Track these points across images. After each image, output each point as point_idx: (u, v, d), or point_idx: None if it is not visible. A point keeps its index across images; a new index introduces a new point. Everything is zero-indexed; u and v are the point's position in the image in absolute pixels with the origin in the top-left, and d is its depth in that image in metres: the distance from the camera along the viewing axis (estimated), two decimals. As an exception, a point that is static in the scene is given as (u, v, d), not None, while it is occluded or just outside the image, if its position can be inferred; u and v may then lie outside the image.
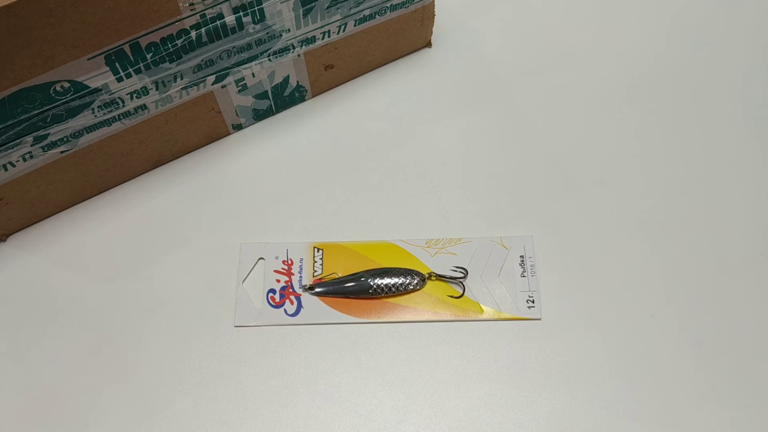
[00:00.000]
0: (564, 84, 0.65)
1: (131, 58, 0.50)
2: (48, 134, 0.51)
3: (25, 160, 0.52)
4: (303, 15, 0.55)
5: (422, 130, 0.63)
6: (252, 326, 0.54)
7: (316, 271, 0.56)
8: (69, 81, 0.48)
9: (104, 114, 0.52)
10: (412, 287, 0.55)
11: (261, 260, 0.57)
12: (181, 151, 0.61)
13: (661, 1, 0.69)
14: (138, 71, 0.51)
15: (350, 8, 0.57)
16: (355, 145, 0.62)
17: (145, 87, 0.52)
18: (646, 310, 0.54)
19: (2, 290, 0.56)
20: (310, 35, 0.57)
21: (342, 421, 0.51)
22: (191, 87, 0.55)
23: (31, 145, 0.51)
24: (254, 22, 0.53)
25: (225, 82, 0.57)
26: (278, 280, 0.56)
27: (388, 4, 0.59)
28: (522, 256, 0.56)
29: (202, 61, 0.53)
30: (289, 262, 0.56)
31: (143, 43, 0.49)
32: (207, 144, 0.62)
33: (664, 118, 0.63)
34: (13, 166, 0.52)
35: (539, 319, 0.54)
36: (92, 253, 0.58)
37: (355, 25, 0.59)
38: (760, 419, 0.50)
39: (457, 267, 0.56)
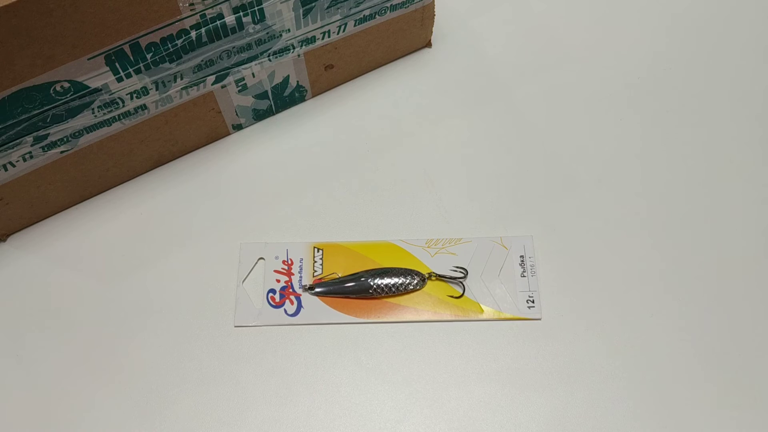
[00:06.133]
0: (564, 84, 0.65)
1: (131, 58, 0.50)
2: (48, 134, 0.51)
3: (25, 160, 0.52)
4: (303, 15, 0.55)
5: (422, 130, 0.63)
6: (252, 326, 0.54)
7: (316, 271, 0.56)
8: (69, 81, 0.48)
9: (104, 114, 0.52)
10: (412, 287, 0.55)
11: (261, 260, 0.57)
12: (181, 151, 0.61)
13: (662, 1, 0.69)
14: (138, 71, 0.51)
15: (350, 8, 0.57)
16: (355, 145, 0.62)
17: (145, 87, 0.52)
18: (646, 310, 0.54)
19: (2, 290, 0.56)
20: (310, 35, 0.57)
21: (342, 421, 0.51)
22: (191, 87, 0.55)
23: (31, 145, 0.51)
24: (254, 22, 0.53)
25: (225, 82, 0.57)
26: (278, 280, 0.56)
27: (388, 4, 0.59)
28: (522, 256, 0.56)
29: (202, 61, 0.53)
30: (289, 262, 0.56)
31: (143, 43, 0.49)
32: (207, 144, 0.62)
33: (665, 118, 0.63)
34: (13, 166, 0.52)
35: (539, 319, 0.54)
36: (92, 253, 0.58)
37: (355, 25, 0.59)
38: (761, 419, 0.50)
39: (457, 267, 0.56)
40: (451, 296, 0.55)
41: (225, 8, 0.50)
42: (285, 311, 0.55)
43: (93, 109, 0.51)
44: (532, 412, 0.51)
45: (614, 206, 0.58)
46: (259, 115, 0.63)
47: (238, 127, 0.63)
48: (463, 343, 0.53)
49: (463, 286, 0.55)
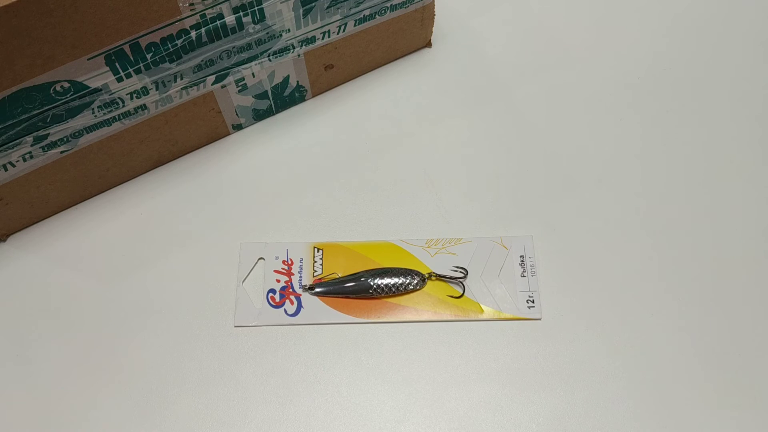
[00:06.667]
0: (564, 84, 0.65)
1: (131, 58, 0.50)
2: (48, 134, 0.51)
3: (25, 160, 0.52)
4: (303, 15, 0.55)
5: (422, 130, 0.63)
6: (252, 326, 0.54)
7: (316, 271, 0.56)
8: (69, 81, 0.48)
9: (104, 114, 0.52)
10: (412, 287, 0.55)
11: (261, 260, 0.57)
12: (181, 151, 0.61)
13: (662, 1, 0.69)
14: (138, 71, 0.51)
15: (350, 8, 0.57)
16: (355, 145, 0.62)
17: (145, 87, 0.52)
18: (646, 310, 0.54)
19: (2, 290, 0.56)
20: (310, 35, 0.57)
21: (342, 421, 0.51)
22: (191, 87, 0.55)
23: (31, 145, 0.51)
24: (254, 22, 0.53)
25: (225, 82, 0.57)
26: (278, 280, 0.56)
27: (388, 4, 0.59)
28: (522, 256, 0.56)
29: (202, 61, 0.53)
30: (289, 262, 0.56)
31: (143, 43, 0.49)
32: (207, 144, 0.62)
33: (665, 118, 0.63)
34: (13, 166, 0.52)
35: (539, 319, 0.54)
36: (92, 253, 0.58)
37: (355, 25, 0.59)
38: (761, 419, 0.50)
39: (457, 267, 0.56)
40: (451, 296, 0.55)
41: (225, 8, 0.50)
42: (285, 311, 0.55)
43: (93, 109, 0.51)
44: (532, 412, 0.51)
45: (614, 206, 0.58)
46: (259, 115, 0.63)
47: (238, 127, 0.63)
48: (463, 343, 0.53)
49: (463, 286, 0.55)
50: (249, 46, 0.55)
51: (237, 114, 0.61)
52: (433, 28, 0.66)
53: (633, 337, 0.53)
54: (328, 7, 0.56)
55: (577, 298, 0.55)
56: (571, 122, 0.63)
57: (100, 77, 0.49)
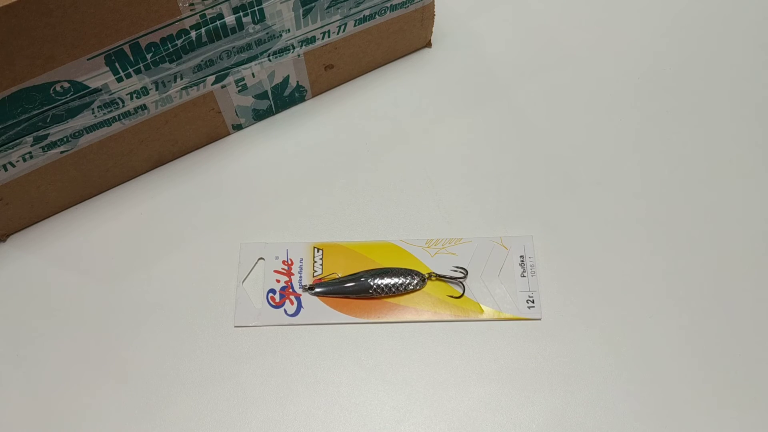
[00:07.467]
0: (564, 84, 0.65)
1: (131, 58, 0.50)
2: (48, 134, 0.51)
3: (25, 160, 0.52)
4: (303, 15, 0.55)
5: (422, 130, 0.63)
6: (252, 326, 0.54)
7: (316, 271, 0.56)
8: (69, 81, 0.48)
9: (104, 114, 0.52)
10: (412, 287, 0.55)
11: (261, 260, 0.57)
12: (181, 151, 0.61)
13: (662, 1, 0.69)
14: (138, 71, 0.51)
15: (350, 8, 0.57)
16: (355, 145, 0.62)
17: (145, 87, 0.52)
18: (646, 310, 0.54)
19: (2, 290, 0.56)
20: (310, 35, 0.57)
21: (342, 421, 0.51)
22: (191, 87, 0.55)
23: (31, 145, 0.51)
24: (254, 22, 0.53)
25: (225, 82, 0.57)
26: (278, 280, 0.56)
27: (388, 4, 0.59)
28: (522, 256, 0.56)
29: (202, 61, 0.53)
30: (289, 262, 0.56)
31: (143, 43, 0.49)
32: (207, 144, 0.62)
33: (664, 118, 0.63)
34: (13, 166, 0.52)
35: (539, 319, 0.54)
36: (92, 253, 0.58)
37: (355, 25, 0.59)
38: (761, 419, 0.50)
39: (457, 267, 0.56)
40: (451, 296, 0.55)
41: (225, 8, 0.50)
42: (285, 311, 0.55)
43: (93, 109, 0.51)
44: (532, 412, 0.51)
45: (614, 206, 0.59)
46: (259, 115, 0.63)
47: (238, 127, 0.63)
48: (463, 343, 0.53)
49: (463, 286, 0.55)
50: (249, 46, 0.55)
51: (237, 114, 0.61)
52: (433, 28, 0.66)
53: (633, 338, 0.53)
54: (328, 7, 0.56)
55: (577, 298, 0.55)
56: (571, 122, 0.63)
57: (100, 77, 0.49)
